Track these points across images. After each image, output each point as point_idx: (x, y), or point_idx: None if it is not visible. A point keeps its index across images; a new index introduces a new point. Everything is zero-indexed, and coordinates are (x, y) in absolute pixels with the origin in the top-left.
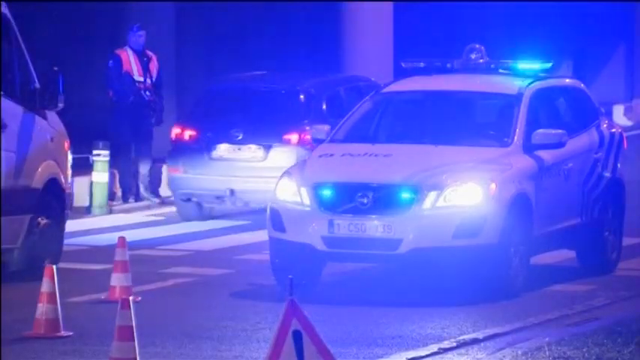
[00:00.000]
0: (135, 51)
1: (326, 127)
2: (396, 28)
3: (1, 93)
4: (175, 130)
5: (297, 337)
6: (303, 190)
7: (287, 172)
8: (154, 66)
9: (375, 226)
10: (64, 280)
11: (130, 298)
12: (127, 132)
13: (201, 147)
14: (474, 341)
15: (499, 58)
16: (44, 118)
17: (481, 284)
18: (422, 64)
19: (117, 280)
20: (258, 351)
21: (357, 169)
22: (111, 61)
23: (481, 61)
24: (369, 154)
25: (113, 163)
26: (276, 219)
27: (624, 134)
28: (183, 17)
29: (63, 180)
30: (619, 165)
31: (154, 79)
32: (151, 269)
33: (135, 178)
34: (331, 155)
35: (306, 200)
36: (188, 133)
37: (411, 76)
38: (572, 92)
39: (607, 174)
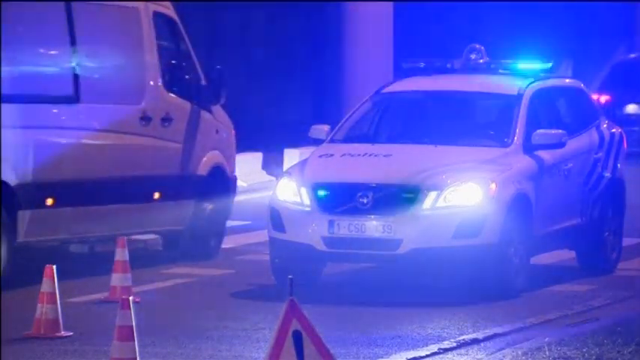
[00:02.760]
0: None
1: (326, 127)
2: (396, 28)
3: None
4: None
5: (297, 337)
6: (303, 190)
7: (287, 172)
8: None
9: (374, 226)
10: (64, 280)
11: (130, 298)
12: None
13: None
14: (474, 341)
15: (499, 58)
16: (209, 112)
17: (481, 284)
18: (422, 64)
19: (117, 280)
20: (258, 351)
21: (357, 170)
22: None
23: (481, 61)
24: (369, 154)
25: None
26: (276, 219)
27: (624, 134)
28: (184, 17)
29: (228, 168)
30: (619, 165)
31: None
32: (151, 269)
33: None
34: (331, 155)
35: (306, 200)
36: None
37: (411, 76)
38: (572, 92)
39: (607, 174)
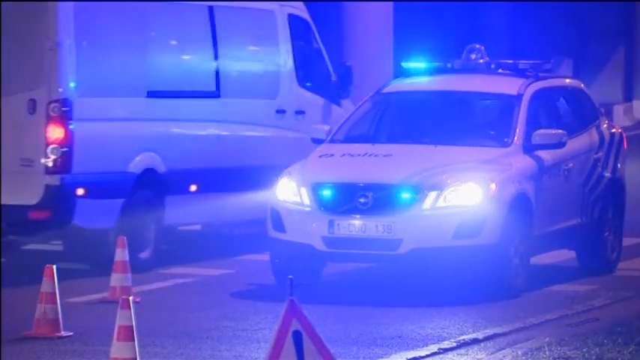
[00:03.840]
0: None
1: (326, 127)
2: (396, 28)
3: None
4: None
5: (297, 337)
6: (303, 191)
7: (287, 172)
8: None
9: (375, 226)
10: (64, 280)
11: (130, 298)
12: None
13: None
14: (474, 341)
15: (499, 58)
16: (339, 105)
17: (481, 284)
18: (422, 64)
19: (117, 280)
20: (258, 351)
21: (357, 170)
22: None
23: (481, 61)
24: (369, 154)
25: None
26: (276, 219)
27: (624, 134)
28: None
29: None
30: (619, 165)
31: None
32: (151, 269)
33: None
34: (331, 155)
35: (306, 200)
36: None
37: (411, 76)
38: (572, 92)
39: (607, 174)
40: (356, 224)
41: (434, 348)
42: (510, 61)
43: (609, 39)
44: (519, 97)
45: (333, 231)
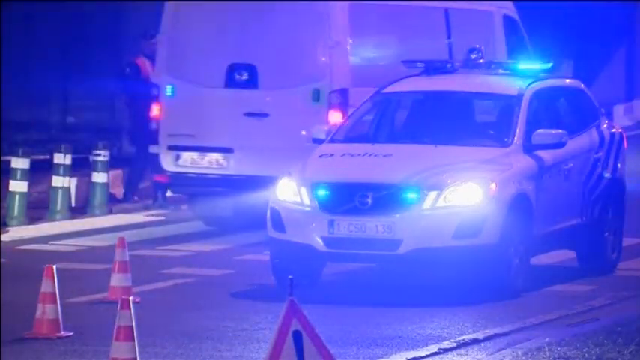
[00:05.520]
0: (150, 58)
1: (326, 127)
2: None
3: None
4: None
5: (297, 337)
6: (303, 191)
7: (287, 172)
8: None
9: (375, 226)
10: (64, 280)
11: (130, 298)
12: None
13: None
14: (474, 341)
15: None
16: None
17: (481, 284)
18: (422, 64)
19: (117, 280)
20: (258, 351)
21: (357, 170)
22: (127, 69)
23: (481, 61)
24: (369, 154)
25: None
26: (276, 219)
27: (624, 134)
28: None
29: None
30: (619, 165)
31: None
32: (151, 269)
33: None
34: (331, 155)
35: (306, 200)
36: None
37: (411, 76)
38: (572, 92)
39: (607, 174)
40: (356, 224)
41: (434, 348)
42: (510, 61)
43: (609, 39)
44: (519, 97)
45: (333, 231)
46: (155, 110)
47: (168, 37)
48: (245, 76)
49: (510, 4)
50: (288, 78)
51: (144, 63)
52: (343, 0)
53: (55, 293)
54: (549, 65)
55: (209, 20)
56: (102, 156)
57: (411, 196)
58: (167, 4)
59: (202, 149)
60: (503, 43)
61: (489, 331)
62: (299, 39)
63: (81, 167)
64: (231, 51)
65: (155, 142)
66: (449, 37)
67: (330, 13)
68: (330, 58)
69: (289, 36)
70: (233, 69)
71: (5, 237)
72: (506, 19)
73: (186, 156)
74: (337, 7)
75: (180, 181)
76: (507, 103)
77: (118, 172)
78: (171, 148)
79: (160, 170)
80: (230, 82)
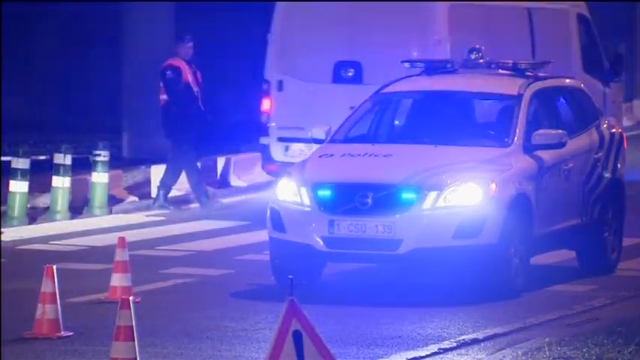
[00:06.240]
0: (186, 62)
1: (326, 127)
2: None
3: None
4: None
5: (297, 337)
6: (303, 191)
7: (287, 172)
8: (199, 76)
9: (375, 226)
10: (64, 280)
11: (130, 298)
12: (191, 142)
13: None
14: (474, 341)
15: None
16: (609, 87)
17: (481, 284)
18: (422, 64)
19: (117, 280)
20: (258, 351)
21: (357, 170)
22: (169, 72)
23: (481, 61)
24: (369, 154)
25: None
26: (276, 219)
27: (624, 134)
28: (184, 17)
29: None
30: (619, 165)
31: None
32: (151, 269)
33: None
34: (331, 155)
35: (306, 200)
36: None
37: (411, 76)
38: (572, 92)
39: (607, 174)
40: (356, 224)
41: (434, 348)
42: (510, 61)
43: (609, 39)
44: (519, 97)
45: (333, 231)
46: (266, 104)
47: (279, 37)
48: (351, 73)
49: (583, 3)
50: (391, 74)
51: (183, 66)
52: (444, 0)
53: (55, 293)
54: (549, 65)
55: (317, 20)
56: (102, 156)
57: (411, 196)
58: (277, 4)
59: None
60: (577, 41)
61: (489, 331)
62: (402, 37)
63: (81, 167)
64: (338, 49)
65: (265, 133)
66: (532, 36)
67: (432, 12)
68: (432, 55)
69: (393, 34)
70: (340, 66)
71: (5, 237)
72: (580, 17)
73: (295, 147)
74: (438, 6)
75: None
76: (507, 103)
77: (118, 172)
78: (280, 139)
79: (271, 160)
80: (337, 78)
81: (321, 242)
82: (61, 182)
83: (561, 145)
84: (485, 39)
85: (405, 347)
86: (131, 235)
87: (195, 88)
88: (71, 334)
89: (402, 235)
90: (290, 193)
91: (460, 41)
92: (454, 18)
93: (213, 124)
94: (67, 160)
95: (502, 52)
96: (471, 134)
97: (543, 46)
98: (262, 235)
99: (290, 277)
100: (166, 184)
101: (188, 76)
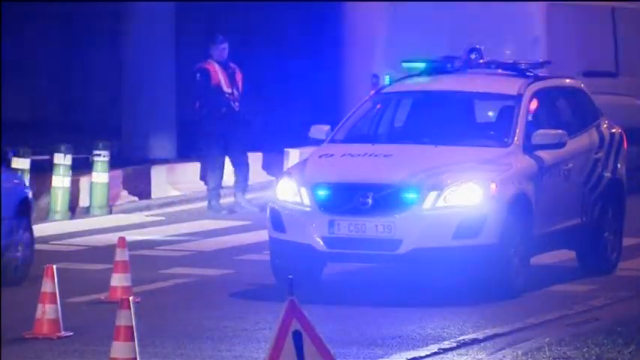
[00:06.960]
0: (219, 63)
1: (326, 127)
2: None
3: None
4: None
5: (297, 337)
6: (303, 191)
7: (287, 172)
8: (239, 77)
9: (375, 226)
10: (64, 280)
11: (130, 298)
12: (219, 144)
13: None
14: (474, 341)
15: (499, 58)
16: None
17: (481, 284)
18: (422, 65)
19: (117, 280)
20: (258, 351)
21: (357, 170)
22: (198, 74)
23: (481, 61)
24: (369, 154)
25: (203, 175)
26: (276, 219)
27: (624, 134)
28: (183, 17)
29: None
30: (619, 165)
31: (240, 90)
32: (151, 269)
33: (234, 188)
34: (331, 155)
35: (306, 200)
36: None
37: (411, 76)
38: (572, 92)
39: (607, 174)
40: (356, 224)
41: (434, 348)
42: (510, 61)
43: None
44: (519, 97)
45: (333, 231)
46: None
47: (387, 36)
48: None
49: None
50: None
51: (214, 68)
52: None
53: (55, 293)
54: (549, 65)
55: (425, 20)
56: (102, 156)
57: (411, 196)
58: (385, 4)
59: None
60: None
61: (489, 331)
62: (503, 34)
63: (81, 167)
64: (444, 46)
65: None
66: (615, 35)
67: (530, 11)
68: (531, 52)
69: (494, 32)
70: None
71: None
72: None
73: None
74: (536, 5)
75: None
76: (507, 103)
77: (118, 172)
78: None
79: None
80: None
81: (321, 242)
82: (61, 182)
83: (561, 145)
84: (579, 38)
85: (405, 347)
86: (131, 235)
87: (228, 90)
88: (71, 334)
89: (402, 235)
90: (290, 193)
91: (555, 41)
92: (551, 17)
93: (251, 124)
94: (67, 160)
95: (587, 50)
96: (471, 134)
97: (631, 45)
98: (262, 235)
99: (290, 277)
100: (212, 187)
101: (219, 77)
